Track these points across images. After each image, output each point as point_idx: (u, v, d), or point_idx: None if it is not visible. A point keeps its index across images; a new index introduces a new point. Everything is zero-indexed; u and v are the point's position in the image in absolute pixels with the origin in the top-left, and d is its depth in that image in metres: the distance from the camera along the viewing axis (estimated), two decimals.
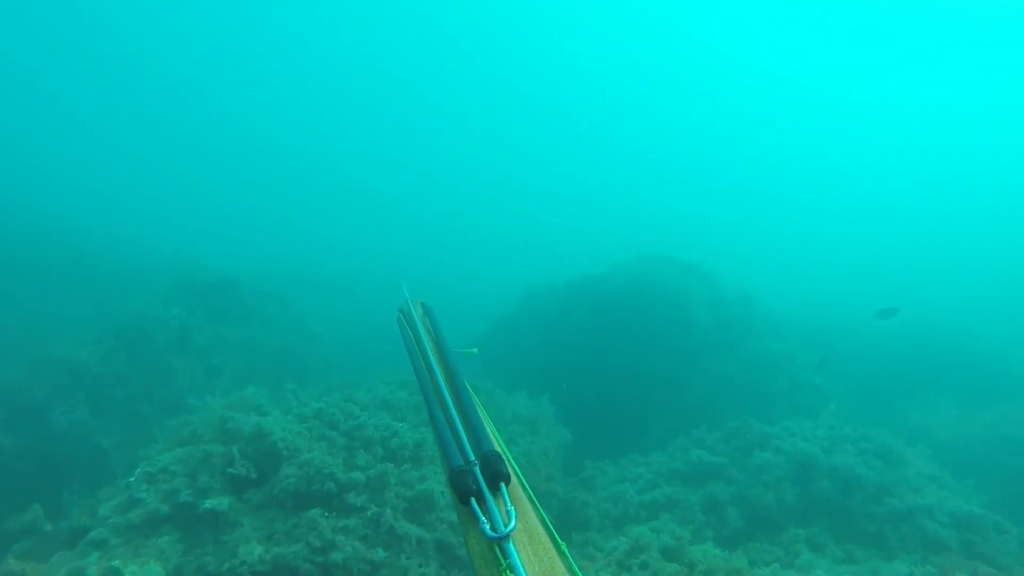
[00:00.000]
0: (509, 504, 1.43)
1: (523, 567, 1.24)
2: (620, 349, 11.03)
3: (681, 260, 12.48)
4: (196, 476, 5.26)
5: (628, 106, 63.90)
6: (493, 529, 1.34)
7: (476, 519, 1.38)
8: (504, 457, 1.62)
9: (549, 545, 1.37)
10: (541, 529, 1.42)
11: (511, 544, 1.30)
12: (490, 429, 1.82)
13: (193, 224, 29.26)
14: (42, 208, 19.30)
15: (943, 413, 11.58)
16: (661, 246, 13.63)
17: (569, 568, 1.32)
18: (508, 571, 1.24)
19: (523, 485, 1.60)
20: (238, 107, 56.22)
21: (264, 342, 11.60)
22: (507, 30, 63.58)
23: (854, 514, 7.22)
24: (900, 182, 46.08)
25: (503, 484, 1.50)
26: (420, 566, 5.00)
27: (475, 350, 2.69)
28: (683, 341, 11.09)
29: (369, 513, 5.10)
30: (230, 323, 10.99)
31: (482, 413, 1.89)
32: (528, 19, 62.92)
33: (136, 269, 14.75)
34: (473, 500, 1.44)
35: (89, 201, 28.04)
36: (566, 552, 1.37)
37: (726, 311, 11.71)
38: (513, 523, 1.35)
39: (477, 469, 1.54)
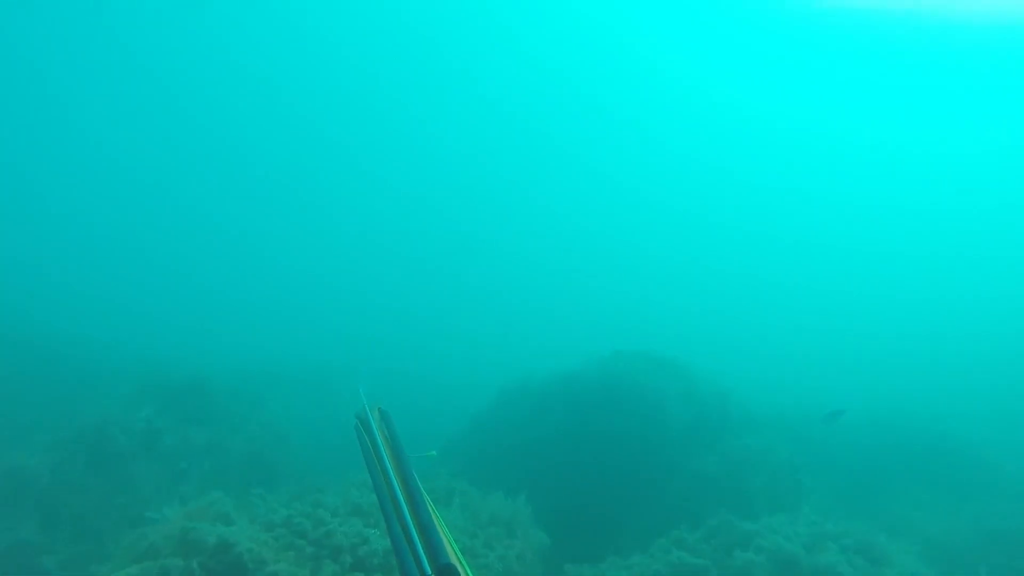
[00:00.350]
0: None
1: None
2: (596, 448, 10.94)
3: (656, 355, 12.69)
4: None
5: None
6: None
7: None
8: (459, 570, 1.65)
9: None
10: None
11: None
12: (447, 540, 1.84)
13: (164, 316, 28.82)
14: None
15: (925, 506, 11.52)
16: (637, 338, 13.87)
17: None
18: None
19: None
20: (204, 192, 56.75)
21: (233, 445, 11.23)
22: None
23: None
24: (877, 269, 46.87)
25: None
26: None
27: (434, 453, 2.71)
28: (659, 438, 11.06)
29: None
30: (198, 425, 10.68)
31: (439, 524, 1.92)
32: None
33: (103, 368, 14.40)
34: None
35: (52, 296, 27.59)
36: None
37: (702, 407, 11.80)
38: None
39: None
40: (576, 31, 59.00)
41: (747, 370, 19.66)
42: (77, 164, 52.71)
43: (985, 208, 51.96)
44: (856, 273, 45.05)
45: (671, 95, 64.45)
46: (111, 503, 8.90)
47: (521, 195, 64.60)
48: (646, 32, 58.38)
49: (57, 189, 50.02)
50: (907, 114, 58.62)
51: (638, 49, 60.21)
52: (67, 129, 52.61)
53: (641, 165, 66.18)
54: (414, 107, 64.27)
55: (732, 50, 57.81)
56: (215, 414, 11.24)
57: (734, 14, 53.30)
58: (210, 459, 10.36)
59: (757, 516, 8.62)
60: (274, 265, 46.32)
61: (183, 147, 58.20)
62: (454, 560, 1.71)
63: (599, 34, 59.01)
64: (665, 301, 41.50)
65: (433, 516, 1.94)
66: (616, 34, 58.87)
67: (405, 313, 37.79)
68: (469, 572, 1.70)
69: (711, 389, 12.46)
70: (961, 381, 19.89)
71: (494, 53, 61.54)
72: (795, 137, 64.46)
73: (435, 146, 65.18)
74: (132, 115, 54.58)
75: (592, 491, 10.65)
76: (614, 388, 11.51)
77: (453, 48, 60.27)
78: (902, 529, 10.24)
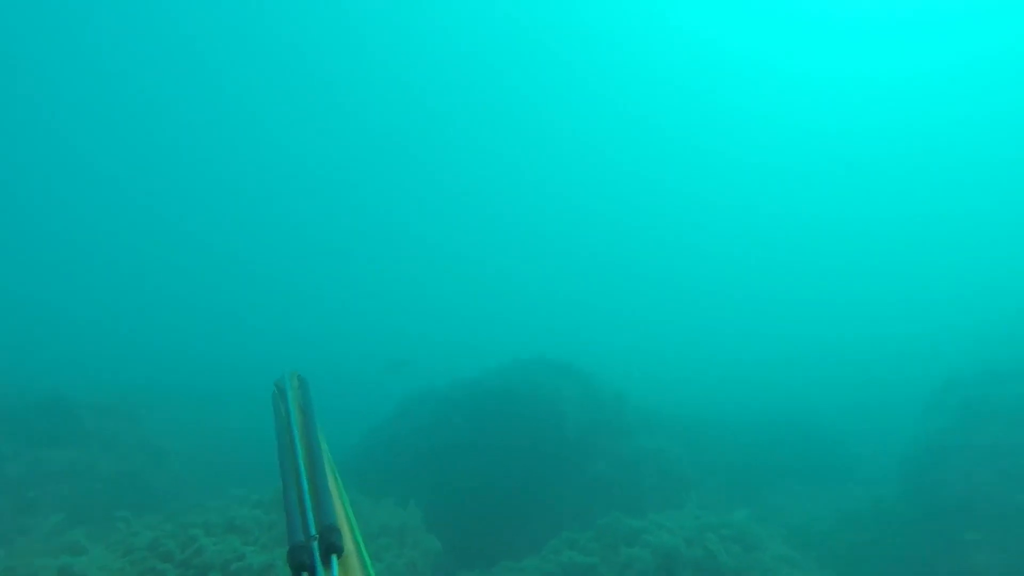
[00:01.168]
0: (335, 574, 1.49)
1: None
2: (494, 454, 11.02)
3: (555, 361, 12.99)
4: None
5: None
6: None
7: None
8: (340, 530, 1.66)
9: None
10: None
11: None
12: (341, 503, 1.86)
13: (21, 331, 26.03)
14: None
15: (794, 494, 12.56)
16: (537, 344, 14.12)
17: None
18: None
19: (364, 560, 1.65)
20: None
21: (101, 465, 10.25)
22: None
23: None
24: (761, 275, 49.52)
25: (334, 556, 1.54)
26: None
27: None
28: (555, 443, 11.30)
29: None
30: (55, 448, 9.63)
31: (337, 489, 1.92)
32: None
33: None
34: (305, 574, 1.49)
35: None
36: None
37: (599, 411, 12.18)
38: None
39: (315, 544, 1.57)
40: None
41: (643, 373, 20.59)
42: None
43: (850, 215, 56.11)
44: (742, 279, 47.68)
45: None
46: None
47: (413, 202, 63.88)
48: None
49: None
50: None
51: None
52: None
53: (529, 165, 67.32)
54: None
55: None
56: (76, 434, 10.17)
57: None
58: (69, 483, 9.36)
59: (645, 513, 8.98)
60: (159, 275, 43.35)
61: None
62: (342, 521, 1.71)
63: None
64: (564, 308, 42.50)
65: (331, 481, 1.94)
66: None
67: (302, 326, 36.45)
68: (357, 534, 1.73)
69: (608, 393, 12.89)
70: (830, 378, 21.77)
71: None
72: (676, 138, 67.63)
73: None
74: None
75: (489, 497, 10.69)
76: (513, 395, 11.68)
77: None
78: (775, 517, 11.09)
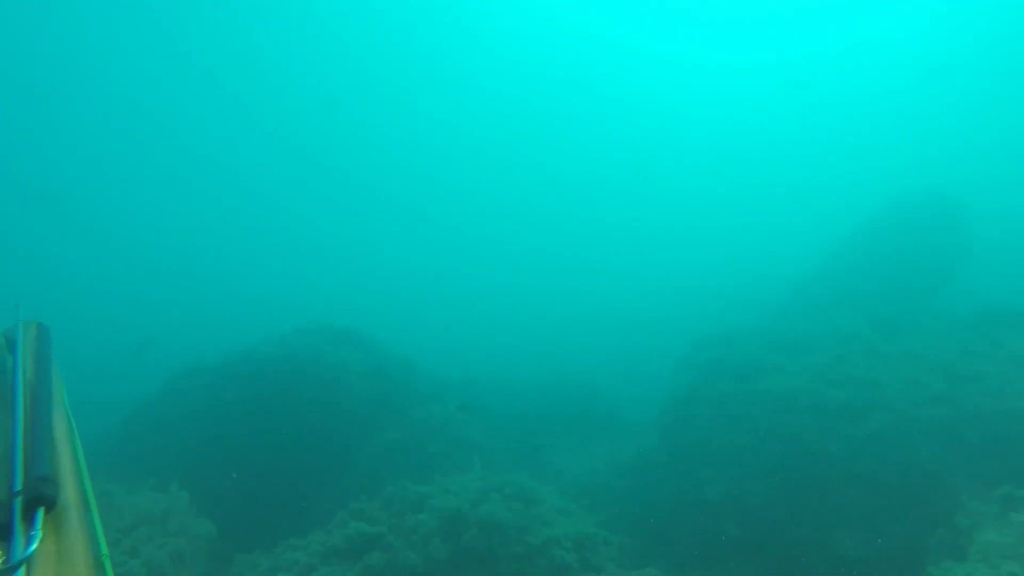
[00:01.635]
0: (37, 530, 1.23)
1: None
2: (277, 428, 10.15)
3: (339, 328, 12.36)
4: None
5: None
6: (5, 560, 1.18)
7: None
8: (58, 481, 1.42)
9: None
10: (86, 555, 1.27)
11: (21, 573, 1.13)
12: (72, 452, 1.63)
13: None
14: None
15: (575, 452, 13.68)
16: (321, 313, 13.31)
17: None
18: None
19: (91, 514, 1.46)
20: None
21: None
22: None
23: (500, 557, 7.72)
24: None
25: (40, 509, 1.29)
26: None
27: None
28: (342, 412, 10.80)
29: None
30: None
31: (65, 436, 1.67)
32: None
33: None
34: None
35: None
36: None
37: (387, 379, 11.90)
38: (31, 549, 1.17)
39: (17, 500, 1.33)
40: None
41: (434, 343, 20.81)
42: None
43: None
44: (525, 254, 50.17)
45: None
46: None
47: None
48: None
49: None
50: None
51: None
52: None
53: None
54: None
55: None
56: None
57: None
58: None
59: (433, 479, 9.01)
60: None
61: None
62: (65, 473, 1.49)
63: None
64: (348, 278, 41.43)
65: (59, 430, 1.67)
66: None
67: None
68: (87, 486, 1.53)
69: (397, 361, 12.67)
70: (605, 342, 24.14)
71: None
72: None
73: None
74: None
75: (273, 473, 9.88)
76: (292, 364, 10.84)
77: None
78: (555, 473, 11.97)
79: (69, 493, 1.44)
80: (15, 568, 1.13)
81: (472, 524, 7.86)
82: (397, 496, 8.38)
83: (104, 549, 1.42)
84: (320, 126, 64.41)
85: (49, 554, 1.22)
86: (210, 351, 12.10)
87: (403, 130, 66.46)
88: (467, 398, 13.02)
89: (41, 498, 1.34)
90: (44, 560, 1.19)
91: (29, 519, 1.29)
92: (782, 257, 25.00)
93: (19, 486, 1.40)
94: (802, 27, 61.47)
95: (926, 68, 53.83)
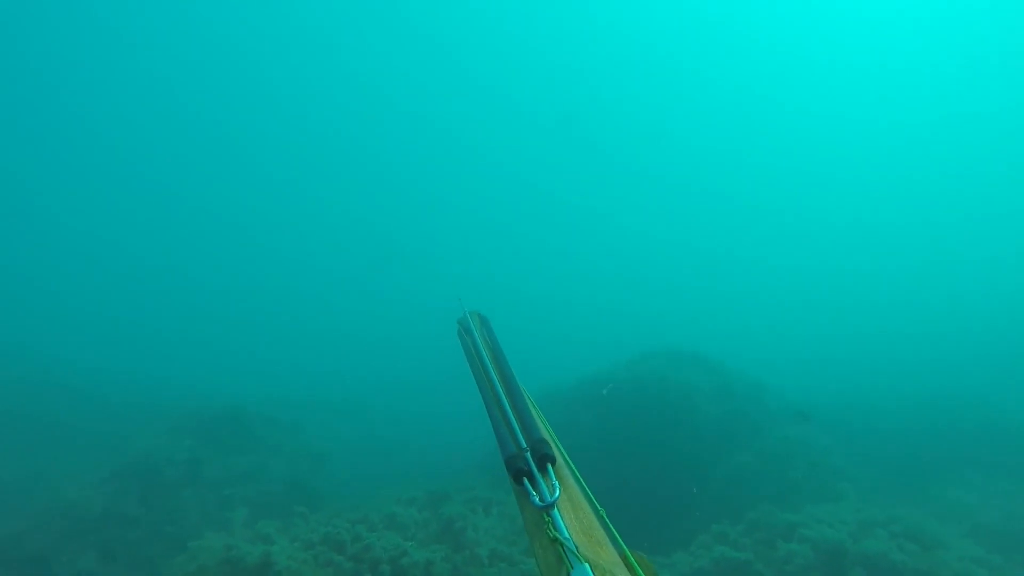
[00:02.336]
0: (554, 480, 1.65)
1: (566, 528, 1.46)
2: (631, 451, 10.84)
3: (686, 353, 12.56)
4: None
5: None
6: (541, 500, 1.54)
7: (528, 494, 1.60)
8: (550, 443, 1.83)
9: (589, 512, 1.57)
10: (583, 499, 1.63)
11: (556, 511, 1.51)
12: (540, 420, 2.03)
13: (201, 348, 29.52)
14: (43, 350, 19.85)
15: (979, 490, 11.04)
16: (666, 336, 13.72)
17: (606, 529, 1.53)
18: (552, 529, 1.46)
19: (569, 466, 1.82)
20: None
21: (274, 470, 11.49)
22: None
23: None
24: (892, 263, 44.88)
25: (549, 464, 1.71)
26: None
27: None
28: (692, 436, 10.92)
29: None
30: (239, 453, 10.96)
31: (532, 407, 2.10)
32: None
33: (145, 403, 14.91)
34: (525, 479, 1.65)
35: (90, 336, 28.47)
36: (604, 517, 1.57)
37: (736, 401, 11.62)
38: (557, 494, 1.56)
39: (528, 454, 1.74)
40: None
41: (781, 362, 19.29)
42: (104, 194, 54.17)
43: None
44: (873, 262, 43.18)
45: None
46: (161, 532, 9.18)
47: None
48: None
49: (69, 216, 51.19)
50: None
51: None
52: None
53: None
54: None
55: None
56: (252, 442, 11.52)
57: None
58: (253, 485, 10.60)
59: (799, 507, 8.44)
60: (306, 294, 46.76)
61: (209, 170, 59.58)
62: (545, 435, 1.87)
63: None
64: (684, 297, 40.69)
65: (528, 402, 2.10)
66: None
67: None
68: (560, 446, 1.89)
69: (746, 383, 12.28)
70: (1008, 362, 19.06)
71: None
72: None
73: None
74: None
75: (628, 496, 10.55)
76: (642, 389, 11.42)
77: None
78: (956, 514, 9.89)
79: (556, 452, 1.81)
80: (551, 506, 1.50)
81: (855, 562, 7.12)
82: (762, 522, 8.10)
83: (586, 488, 1.71)
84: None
85: (563, 500, 1.59)
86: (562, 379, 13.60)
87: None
88: (806, 407, 11.91)
89: (547, 456, 1.72)
90: (563, 503, 1.57)
91: (543, 470, 1.68)
92: None
93: (525, 444, 1.78)
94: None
95: None
